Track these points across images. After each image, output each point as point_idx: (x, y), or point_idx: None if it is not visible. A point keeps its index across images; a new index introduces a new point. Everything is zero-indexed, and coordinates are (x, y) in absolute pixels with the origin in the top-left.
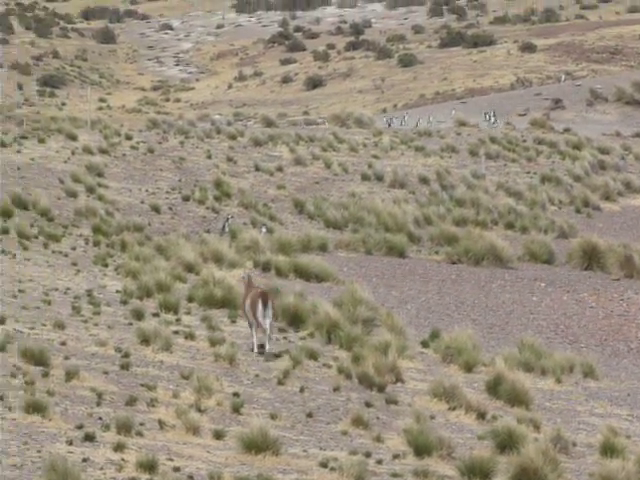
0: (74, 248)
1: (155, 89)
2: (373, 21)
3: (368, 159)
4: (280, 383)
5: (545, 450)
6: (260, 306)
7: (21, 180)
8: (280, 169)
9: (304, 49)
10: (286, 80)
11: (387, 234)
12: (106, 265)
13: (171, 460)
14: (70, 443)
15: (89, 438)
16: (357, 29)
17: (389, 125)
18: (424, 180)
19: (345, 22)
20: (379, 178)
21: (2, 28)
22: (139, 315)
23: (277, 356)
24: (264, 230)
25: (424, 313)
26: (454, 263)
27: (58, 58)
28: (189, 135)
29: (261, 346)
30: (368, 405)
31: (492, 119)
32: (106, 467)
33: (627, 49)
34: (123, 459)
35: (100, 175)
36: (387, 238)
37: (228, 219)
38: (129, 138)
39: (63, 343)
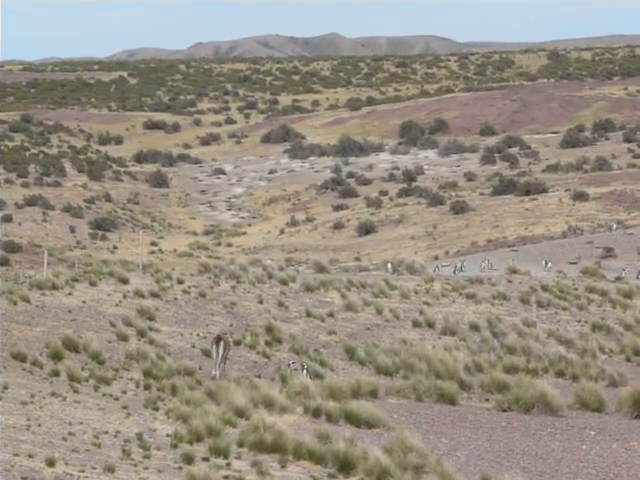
0: (125, 391)
1: (207, 233)
2: (425, 168)
3: (419, 306)
4: None
5: None
6: (214, 345)
7: (72, 323)
8: (331, 315)
9: (356, 195)
10: (338, 226)
11: (438, 381)
12: (157, 409)
13: None
14: None
15: None
16: (410, 176)
17: (455, 272)
18: (475, 327)
19: (398, 169)
20: (430, 325)
21: (54, 171)
22: (189, 459)
23: None
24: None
25: (474, 460)
26: (504, 411)
27: (110, 201)
28: (241, 280)
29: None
30: None
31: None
32: None
33: None
34: None
35: (151, 319)
36: (438, 385)
37: (289, 365)
38: (181, 282)
39: None
